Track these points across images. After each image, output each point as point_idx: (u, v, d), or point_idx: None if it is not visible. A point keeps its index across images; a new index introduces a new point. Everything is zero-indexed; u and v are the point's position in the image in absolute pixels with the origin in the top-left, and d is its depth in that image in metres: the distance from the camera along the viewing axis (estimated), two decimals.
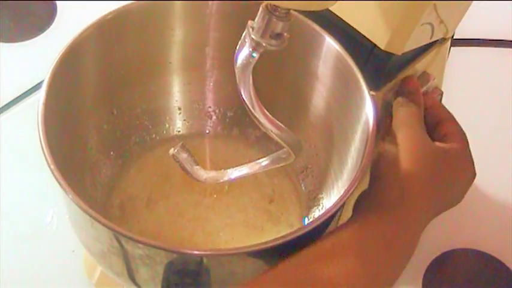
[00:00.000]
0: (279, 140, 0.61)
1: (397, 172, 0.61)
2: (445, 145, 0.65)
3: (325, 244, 0.58)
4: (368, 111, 0.62)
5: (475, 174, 0.68)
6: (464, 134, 0.68)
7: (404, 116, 0.66)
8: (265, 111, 0.59)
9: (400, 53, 0.64)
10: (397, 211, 0.60)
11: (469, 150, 0.67)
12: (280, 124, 0.60)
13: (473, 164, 0.68)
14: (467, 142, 0.68)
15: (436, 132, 0.67)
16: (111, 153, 0.76)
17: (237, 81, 0.57)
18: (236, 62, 0.56)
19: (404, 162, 0.62)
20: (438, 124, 0.68)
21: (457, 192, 0.66)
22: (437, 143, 0.65)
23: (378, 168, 0.62)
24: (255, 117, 0.59)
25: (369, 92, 0.63)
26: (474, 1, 0.67)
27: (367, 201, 0.62)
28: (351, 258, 0.57)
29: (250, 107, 0.58)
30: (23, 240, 0.79)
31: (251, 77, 0.56)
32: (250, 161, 0.70)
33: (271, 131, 0.60)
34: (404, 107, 0.66)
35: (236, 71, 0.57)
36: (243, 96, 0.57)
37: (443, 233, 0.74)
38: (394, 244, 0.59)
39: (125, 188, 0.75)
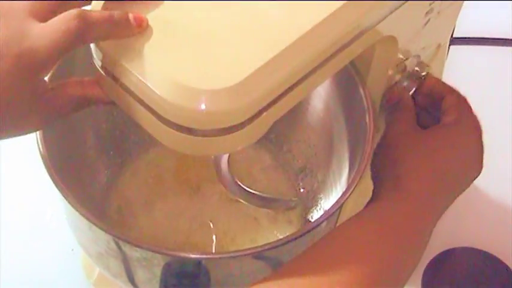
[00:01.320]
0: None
1: (388, 164, 0.60)
2: (433, 128, 0.63)
3: (331, 240, 0.56)
4: (366, 113, 0.62)
5: (478, 143, 0.63)
6: (461, 104, 0.64)
7: (394, 118, 0.64)
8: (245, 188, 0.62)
9: None
10: (396, 201, 0.58)
11: (468, 121, 0.64)
12: (263, 195, 0.66)
13: (475, 132, 0.63)
14: (467, 111, 0.64)
15: (441, 110, 0.65)
16: (110, 152, 0.76)
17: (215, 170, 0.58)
18: None
19: (393, 153, 0.60)
20: (441, 101, 0.65)
21: (461, 167, 0.62)
22: (427, 129, 0.62)
23: (373, 167, 0.62)
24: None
25: (367, 94, 0.63)
26: (473, 1, 0.67)
27: (372, 196, 0.61)
28: (354, 256, 0.54)
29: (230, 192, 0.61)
30: (22, 239, 0.79)
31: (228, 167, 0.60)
32: (248, 157, 0.70)
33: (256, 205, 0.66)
34: (394, 113, 0.65)
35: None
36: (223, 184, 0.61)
37: (443, 232, 0.74)
38: (399, 233, 0.56)
39: (123, 187, 0.76)
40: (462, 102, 0.65)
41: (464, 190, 0.62)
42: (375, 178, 0.61)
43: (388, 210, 0.58)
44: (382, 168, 0.61)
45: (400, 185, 0.58)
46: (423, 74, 0.66)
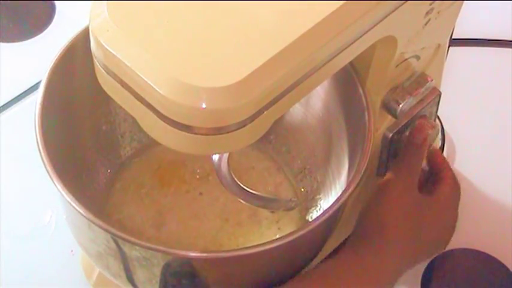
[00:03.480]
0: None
1: (380, 212, 0.65)
2: (430, 198, 0.68)
3: (307, 276, 0.62)
4: (365, 113, 0.62)
5: (455, 221, 0.72)
6: (455, 183, 0.71)
7: (404, 166, 0.68)
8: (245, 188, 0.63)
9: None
10: (375, 245, 0.64)
11: (456, 198, 0.72)
12: (262, 195, 0.67)
13: (456, 211, 0.72)
14: (457, 191, 0.72)
15: (432, 178, 0.71)
16: (110, 153, 0.76)
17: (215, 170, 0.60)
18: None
19: (388, 205, 0.65)
20: (436, 173, 0.72)
21: (435, 240, 0.70)
22: (422, 195, 0.68)
23: (366, 207, 0.66)
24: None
25: (366, 94, 0.63)
26: (473, 1, 0.67)
27: (351, 236, 0.66)
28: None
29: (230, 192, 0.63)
30: (22, 240, 0.79)
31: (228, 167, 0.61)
32: (248, 157, 0.72)
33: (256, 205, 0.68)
34: (407, 158, 0.68)
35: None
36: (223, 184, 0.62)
37: None
38: (371, 273, 0.62)
39: (122, 188, 0.76)
40: (455, 178, 0.72)
41: (435, 254, 0.75)
42: (362, 214, 0.67)
43: (363, 254, 0.63)
44: (372, 206, 0.66)
45: (381, 233, 0.64)
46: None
